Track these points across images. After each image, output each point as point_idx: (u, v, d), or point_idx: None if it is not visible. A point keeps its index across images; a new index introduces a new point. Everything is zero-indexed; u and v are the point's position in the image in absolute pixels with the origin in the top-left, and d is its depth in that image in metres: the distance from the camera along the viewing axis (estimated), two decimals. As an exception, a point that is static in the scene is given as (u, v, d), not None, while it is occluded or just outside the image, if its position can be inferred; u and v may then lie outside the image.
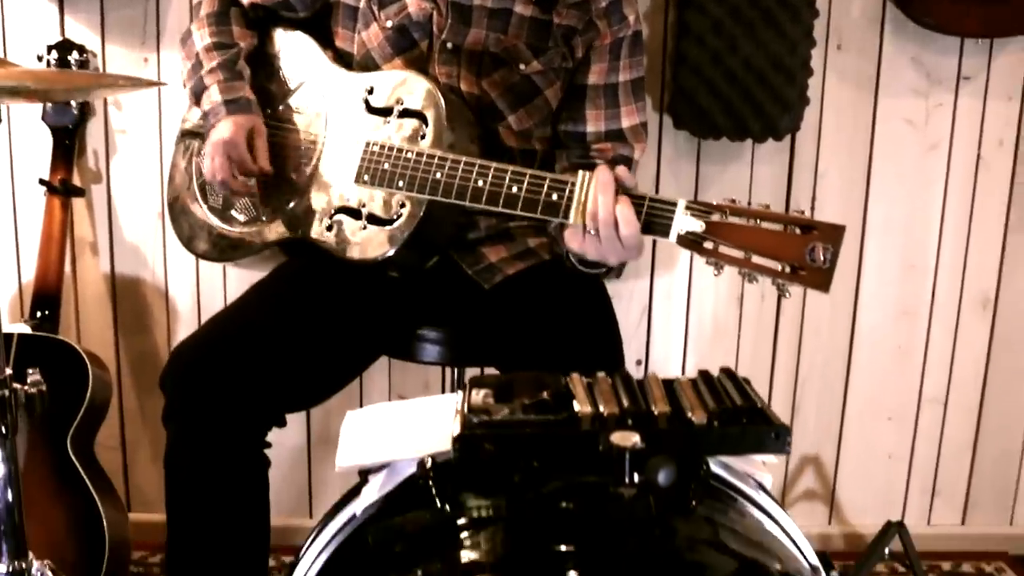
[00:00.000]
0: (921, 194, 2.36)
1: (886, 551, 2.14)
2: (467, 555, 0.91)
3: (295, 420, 2.37)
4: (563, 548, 0.87)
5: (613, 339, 1.69)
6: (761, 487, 1.20)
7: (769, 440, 0.91)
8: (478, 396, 0.95)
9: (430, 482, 1.01)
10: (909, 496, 2.54)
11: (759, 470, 1.18)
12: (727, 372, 1.00)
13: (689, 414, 0.91)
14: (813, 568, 1.20)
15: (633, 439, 0.85)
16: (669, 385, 0.99)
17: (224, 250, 1.81)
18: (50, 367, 2.04)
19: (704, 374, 1.00)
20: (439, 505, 0.97)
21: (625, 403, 0.92)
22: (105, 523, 2.03)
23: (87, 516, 2.02)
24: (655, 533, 0.88)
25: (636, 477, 0.84)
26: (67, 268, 2.29)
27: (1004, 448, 2.53)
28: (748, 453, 0.92)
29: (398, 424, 1.18)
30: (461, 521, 0.96)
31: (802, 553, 1.18)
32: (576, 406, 0.92)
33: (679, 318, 2.37)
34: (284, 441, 2.38)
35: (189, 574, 1.57)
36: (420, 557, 0.87)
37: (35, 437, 2.02)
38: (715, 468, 1.12)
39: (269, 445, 1.59)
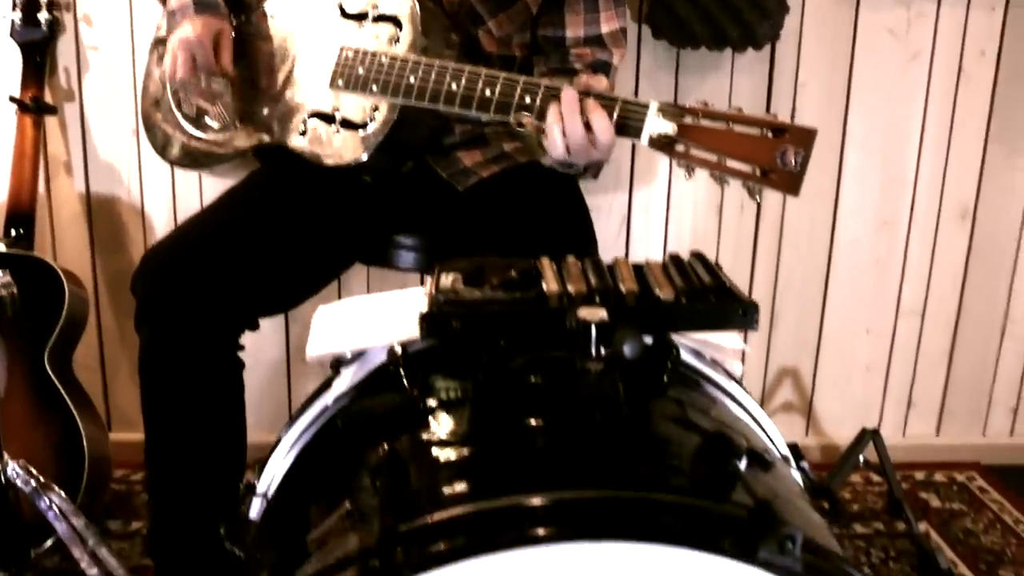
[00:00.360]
0: (901, 105, 2.35)
1: (860, 458, 2.17)
2: (436, 432, 0.92)
3: (273, 334, 2.38)
4: (531, 422, 0.87)
5: (586, 233, 1.68)
6: (732, 377, 1.20)
7: (736, 316, 0.91)
8: (447, 279, 0.94)
9: (400, 367, 1.02)
10: (885, 408, 2.57)
11: (730, 358, 1.19)
12: (697, 255, 1.00)
13: (657, 291, 0.91)
14: (783, 458, 1.21)
15: (600, 314, 0.85)
16: (639, 268, 0.99)
17: (197, 158, 1.79)
18: (25, 284, 2.04)
19: (674, 257, 1.00)
20: (408, 389, 0.98)
21: (593, 282, 0.92)
22: (84, 438, 2.03)
23: (66, 432, 2.03)
24: (623, 409, 0.88)
25: (603, 351, 0.84)
26: (41, 188, 2.27)
27: (979, 359, 2.56)
28: (715, 329, 0.92)
29: (369, 315, 1.18)
30: (430, 402, 0.96)
31: (772, 442, 1.20)
32: (544, 285, 0.92)
33: (658, 230, 2.37)
34: (262, 355, 2.39)
35: (167, 477, 1.58)
36: (390, 437, 0.87)
37: (13, 354, 2.01)
38: (685, 355, 1.13)
39: (242, 347, 1.58)
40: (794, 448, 1.32)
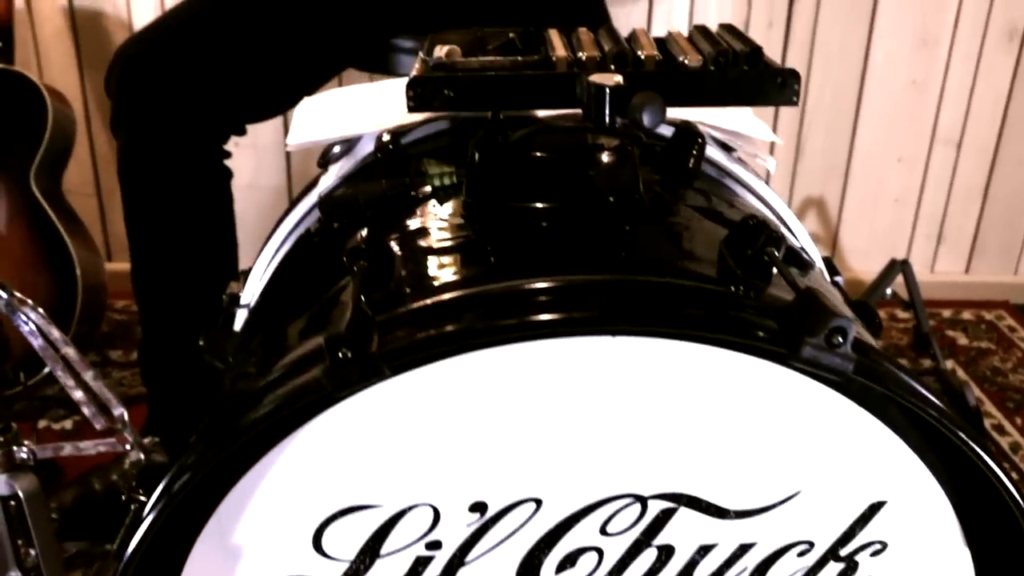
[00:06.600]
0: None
1: (888, 291, 2.07)
2: (425, 218, 0.81)
3: (273, 159, 2.27)
4: (534, 205, 0.76)
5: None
6: (761, 177, 1.09)
7: (774, 87, 0.78)
8: (441, 50, 0.81)
9: (387, 154, 0.90)
10: (914, 242, 2.45)
11: (761, 153, 1.07)
12: (727, 26, 0.87)
13: (682, 59, 0.78)
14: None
15: (615, 78, 0.73)
16: (660, 39, 0.86)
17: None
18: (5, 101, 1.92)
19: (701, 27, 0.87)
20: (396, 175, 0.87)
21: (607, 48, 0.79)
22: (77, 264, 1.95)
23: (58, 258, 1.94)
24: (640, 190, 0.77)
25: (618, 122, 0.72)
26: (20, 3, 2.13)
27: (1015, 193, 2.41)
28: (749, 104, 0.80)
29: (358, 104, 1.06)
30: (420, 189, 0.85)
31: (806, 251, 1.09)
32: (550, 51, 0.79)
33: (680, 47, 2.20)
34: (262, 181, 2.28)
35: (153, 293, 1.49)
36: (373, 225, 0.76)
37: (-4, 178, 1.92)
38: (711, 150, 1.01)
39: (229, 155, 1.46)
40: (828, 261, 1.22)
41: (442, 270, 0.71)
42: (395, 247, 0.75)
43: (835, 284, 1.11)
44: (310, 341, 0.67)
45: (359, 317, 0.61)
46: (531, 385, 0.66)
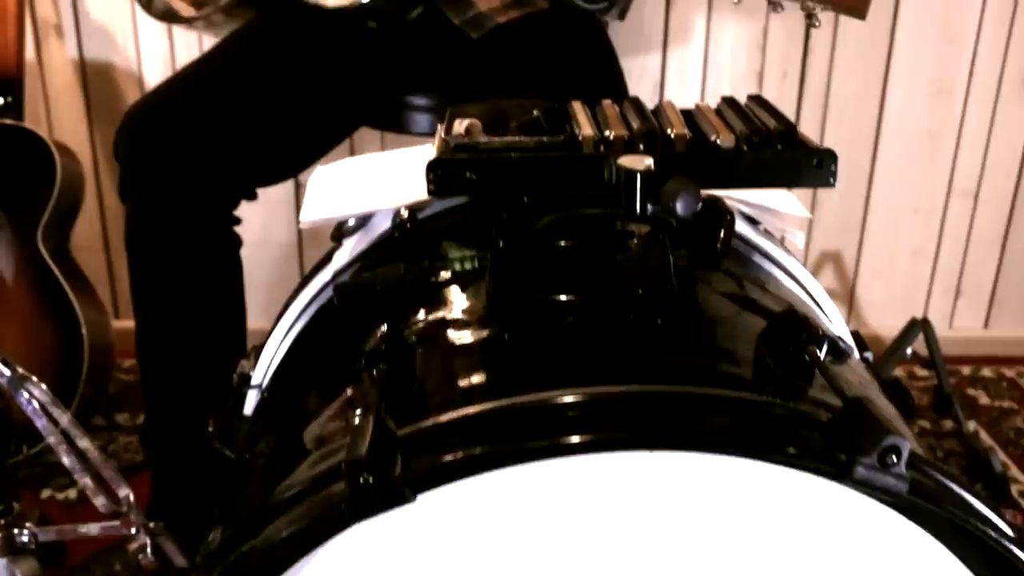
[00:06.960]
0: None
1: (908, 350, 2.02)
2: (446, 311, 0.77)
3: (283, 213, 2.24)
4: (561, 298, 0.72)
5: (618, 86, 1.50)
6: (789, 251, 1.05)
7: (810, 168, 0.74)
8: (461, 125, 0.78)
9: (406, 234, 0.87)
10: (932, 296, 2.41)
11: (791, 228, 1.04)
12: (756, 97, 0.84)
13: (713, 138, 0.75)
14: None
15: (645, 162, 0.70)
16: (688, 112, 0.83)
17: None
18: (13, 157, 1.90)
19: (728, 99, 0.84)
20: (415, 259, 0.83)
21: (635, 126, 0.76)
22: (84, 325, 1.91)
23: (64, 319, 1.91)
24: (673, 282, 0.73)
25: (649, 209, 0.69)
26: (31, 55, 2.11)
27: (1035, 244, 2.38)
28: (785, 184, 0.76)
29: (374, 175, 1.03)
30: (441, 275, 0.82)
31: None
32: (576, 129, 0.76)
33: (694, 96, 2.18)
34: (272, 237, 2.25)
35: (159, 365, 1.45)
36: (391, 316, 0.72)
37: (3, 235, 1.89)
38: (739, 224, 0.97)
39: (239, 221, 1.43)
40: (856, 335, 1.18)
41: (466, 376, 0.68)
42: (415, 344, 0.71)
43: (864, 360, 1.07)
44: (328, 453, 0.63)
45: (381, 437, 0.57)
46: (561, 500, 0.62)
